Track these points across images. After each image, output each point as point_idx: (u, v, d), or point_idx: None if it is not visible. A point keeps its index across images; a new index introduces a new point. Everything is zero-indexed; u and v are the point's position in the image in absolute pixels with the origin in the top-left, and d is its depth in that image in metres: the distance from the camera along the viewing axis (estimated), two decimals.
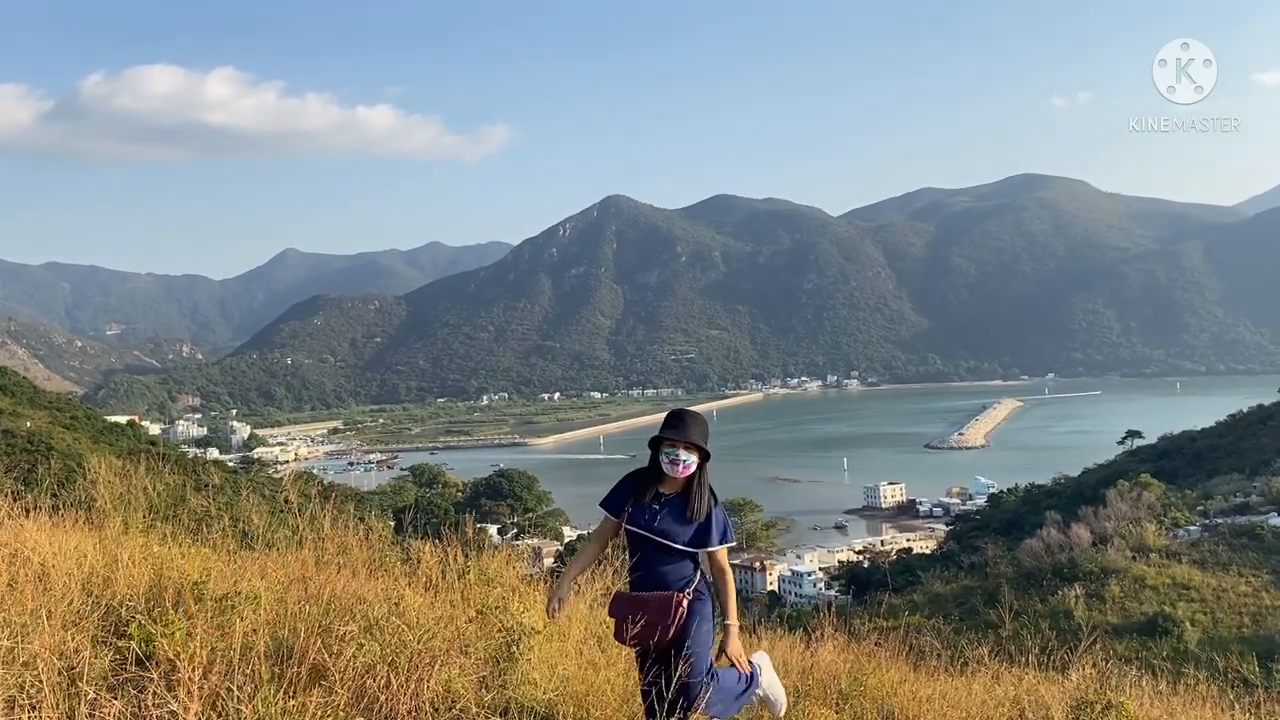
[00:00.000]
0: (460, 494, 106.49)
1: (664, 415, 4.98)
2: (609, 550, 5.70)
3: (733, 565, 5.09)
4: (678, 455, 4.73)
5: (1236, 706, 7.33)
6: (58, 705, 3.54)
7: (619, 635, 4.78)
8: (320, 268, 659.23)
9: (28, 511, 6.29)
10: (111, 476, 6.68)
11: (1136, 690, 7.21)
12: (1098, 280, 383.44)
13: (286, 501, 7.02)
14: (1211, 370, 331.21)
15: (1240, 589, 42.34)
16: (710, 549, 4.82)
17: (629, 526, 4.82)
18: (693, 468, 4.76)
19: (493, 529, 78.13)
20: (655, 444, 4.85)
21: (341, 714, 4.08)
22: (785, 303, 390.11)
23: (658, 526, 4.77)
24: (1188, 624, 39.25)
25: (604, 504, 4.97)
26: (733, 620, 4.87)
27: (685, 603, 4.74)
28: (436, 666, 4.88)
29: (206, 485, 8.05)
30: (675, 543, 4.77)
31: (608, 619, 5.02)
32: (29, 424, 55.51)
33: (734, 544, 5.08)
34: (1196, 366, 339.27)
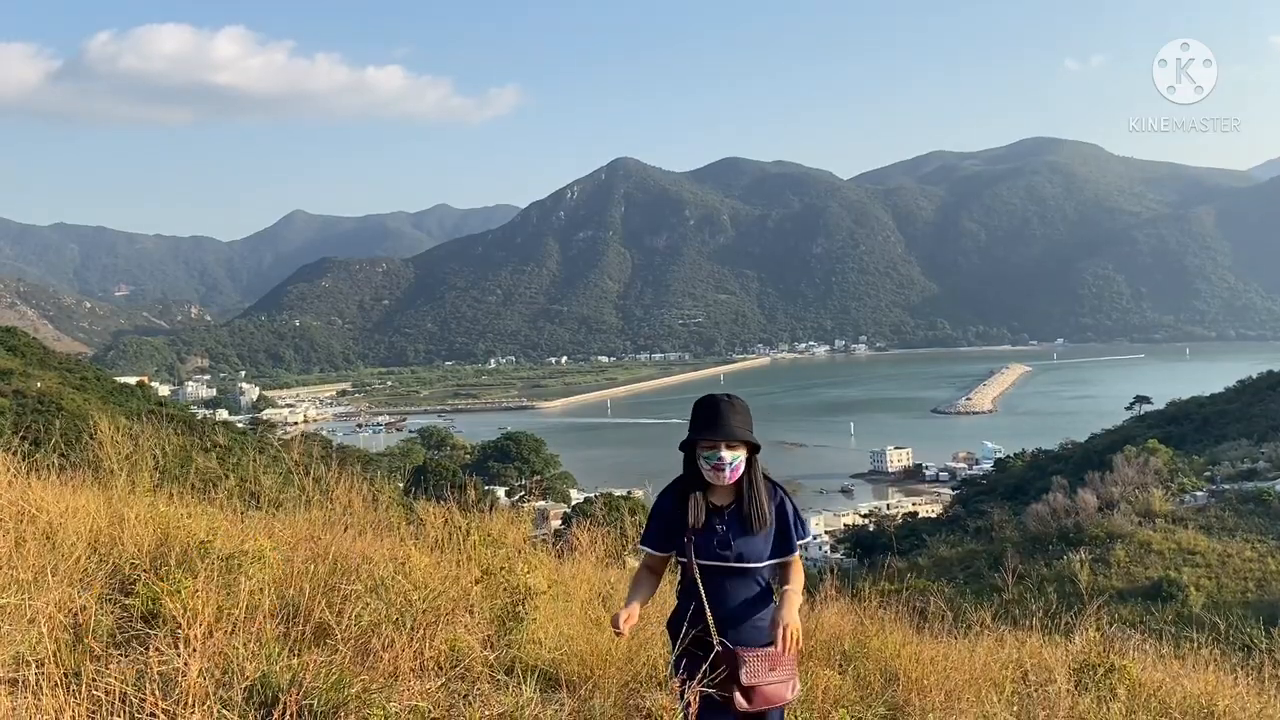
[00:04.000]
0: (468, 456, 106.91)
1: (693, 403, 3.84)
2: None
3: None
4: (721, 459, 3.68)
5: (1239, 670, 7.35)
6: (63, 661, 3.56)
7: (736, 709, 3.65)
8: (328, 229, 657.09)
9: (34, 471, 6.32)
10: (119, 437, 6.69)
11: (1139, 654, 7.25)
12: (1108, 245, 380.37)
13: (294, 463, 7.04)
14: (1222, 336, 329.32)
15: (1245, 554, 42.47)
16: (794, 554, 3.87)
17: (700, 561, 3.71)
18: (741, 468, 3.73)
19: (501, 491, 78.56)
20: (689, 445, 3.78)
21: (345, 671, 4.11)
22: (794, 267, 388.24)
23: (734, 551, 3.73)
24: (1192, 589, 39.38)
25: (646, 541, 3.92)
26: (795, 587, 3.87)
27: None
28: (441, 626, 4.91)
29: (213, 446, 8.08)
30: (759, 563, 3.78)
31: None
32: (39, 384, 55.76)
33: (812, 537, 4.21)
34: (1207, 332, 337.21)
